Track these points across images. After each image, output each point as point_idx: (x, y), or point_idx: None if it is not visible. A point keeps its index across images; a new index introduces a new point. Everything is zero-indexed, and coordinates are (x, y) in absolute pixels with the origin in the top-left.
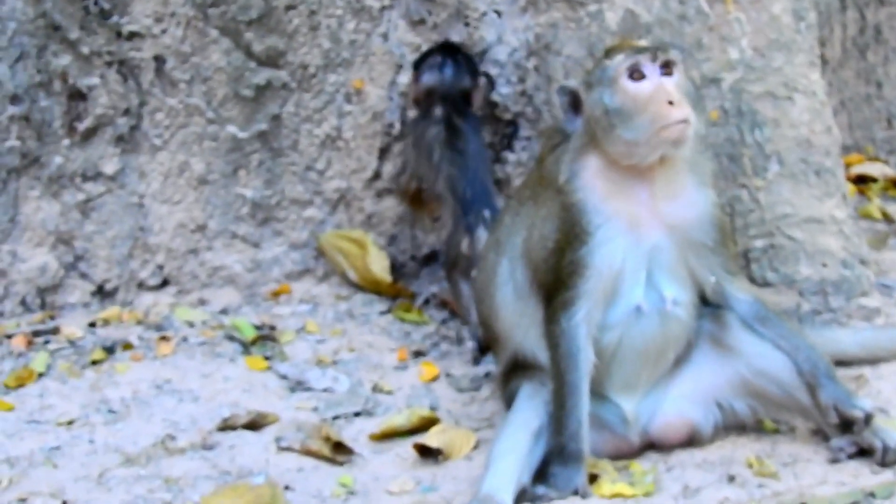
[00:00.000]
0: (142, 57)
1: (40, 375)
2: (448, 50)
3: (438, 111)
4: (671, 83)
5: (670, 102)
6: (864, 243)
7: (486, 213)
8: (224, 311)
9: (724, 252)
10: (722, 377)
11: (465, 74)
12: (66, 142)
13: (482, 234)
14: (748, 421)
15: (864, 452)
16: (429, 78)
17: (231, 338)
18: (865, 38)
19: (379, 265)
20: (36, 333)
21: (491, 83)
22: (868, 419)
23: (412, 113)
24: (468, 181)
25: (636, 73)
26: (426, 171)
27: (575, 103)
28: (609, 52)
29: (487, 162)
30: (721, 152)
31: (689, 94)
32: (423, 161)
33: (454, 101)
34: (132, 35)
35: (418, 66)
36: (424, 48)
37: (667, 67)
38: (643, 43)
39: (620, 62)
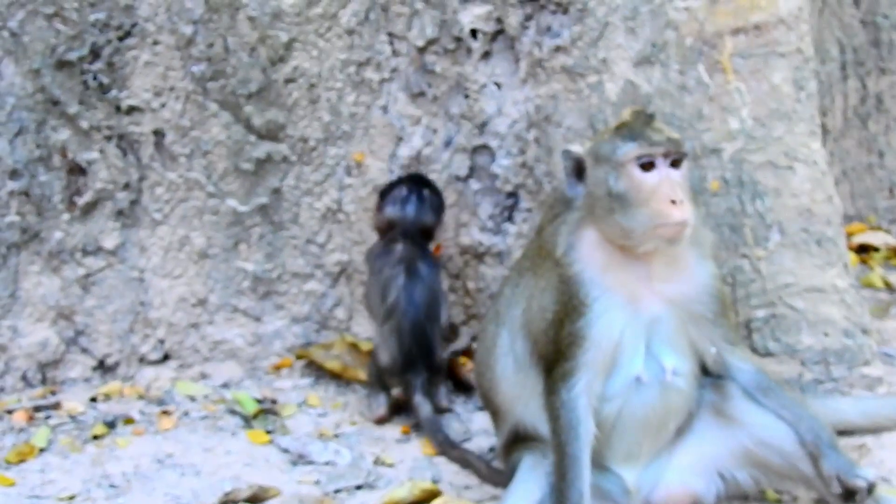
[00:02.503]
0: (141, 131)
1: (41, 451)
2: (415, 182)
3: (399, 248)
4: (678, 176)
5: (673, 201)
6: (866, 312)
7: (418, 382)
8: (225, 385)
9: (725, 323)
10: (724, 447)
11: (428, 211)
12: (65, 216)
13: (420, 402)
14: (751, 491)
15: None
16: (391, 211)
17: (233, 412)
18: (867, 107)
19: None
20: (37, 408)
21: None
22: (871, 489)
23: (375, 241)
24: (415, 338)
25: (646, 164)
26: (376, 306)
27: (579, 170)
28: (622, 131)
29: (440, 310)
30: (722, 222)
31: (692, 183)
32: (375, 297)
33: (414, 237)
34: (131, 109)
35: (384, 195)
36: (424, 121)
37: (676, 161)
38: (658, 133)
39: (633, 150)
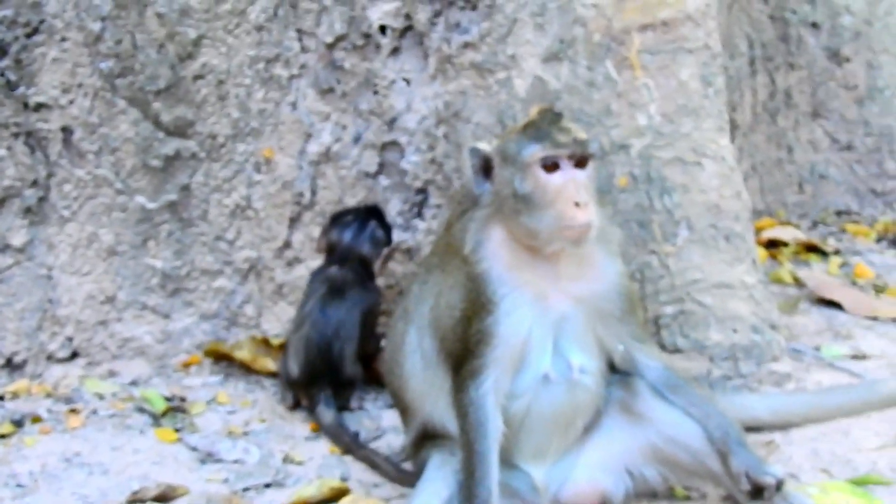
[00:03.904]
0: (49, 128)
1: None
2: (366, 213)
3: (333, 270)
4: (583, 177)
5: (577, 203)
6: (774, 308)
7: (321, 396)
8: (134, 383)
9: (633, 320)
10: (632, 444)
11: (367, 242)
12: None
13: (321, 411)
14: (659, 488)
15: None
16: (332, 234)
17: (141, 410)
18: (776, 102)
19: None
20: None
21: (388, 242)
22: (779, 485)
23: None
24: (320, 353)
25: (550, 165)
26: (296, 313)
27: (486, 168)
28: (528, 131)
29: (354, 333)
30: (630, 218)
31: (599, 183)
32: (300, 303)
33: (351, 264)
34: (39, 106)
35: (332, 219)
36: (334, 117)
37: (582, 162)
38: (564, 134)
39: (537, 152)
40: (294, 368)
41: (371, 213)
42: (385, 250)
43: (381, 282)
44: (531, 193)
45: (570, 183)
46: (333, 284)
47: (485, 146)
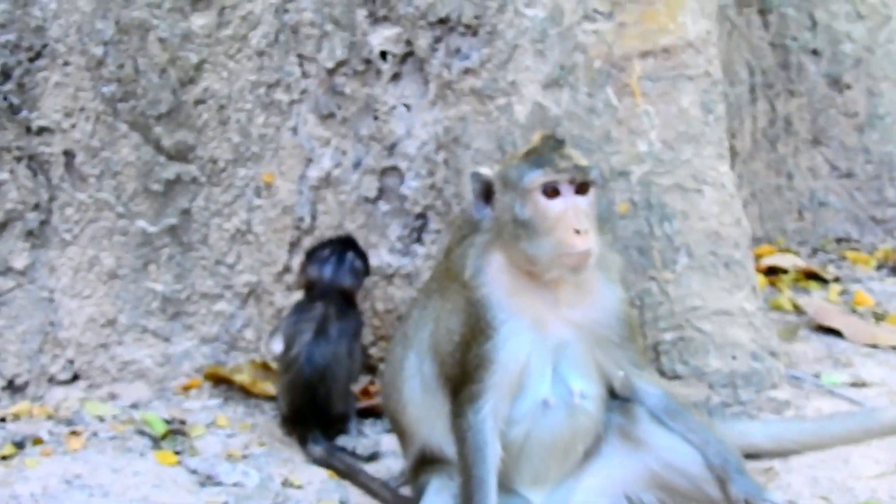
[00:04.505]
0: (51, 152)
1: None
2: (342, 245)
3: (317, 307)
4: (584, 203)
5: (577, 230)
6: (774, 335)
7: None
8: (134, 406)
9: (632, 346)
10: (631, 471)
11: (348, 274)
12: None
13: (311, 448)
14: None
15: None
16: (311, 271)
17: (141, 432)
18: (776, 129)
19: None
20: None
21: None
22: None
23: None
24: (308, 397)
25: (550, 191)
26: (281, 354)
27: (487, 193)
28: (530, 157)
29: (342, 372)
30: (630, 245)
31: (600, 210)
32: (284, 345)
33: (332, 298)
34: (41, 130)
35: (309, 255)
36: (334, 142)
37: (582, 188)
38: (565, 160)
39: (538, 178)
40: (283, 407)
41: (347, 245)
42: (365, 280)
43: (379, 306)
44: (531, 219)
45: (571, 209)
46: (320, 325)
47: (486, 171)
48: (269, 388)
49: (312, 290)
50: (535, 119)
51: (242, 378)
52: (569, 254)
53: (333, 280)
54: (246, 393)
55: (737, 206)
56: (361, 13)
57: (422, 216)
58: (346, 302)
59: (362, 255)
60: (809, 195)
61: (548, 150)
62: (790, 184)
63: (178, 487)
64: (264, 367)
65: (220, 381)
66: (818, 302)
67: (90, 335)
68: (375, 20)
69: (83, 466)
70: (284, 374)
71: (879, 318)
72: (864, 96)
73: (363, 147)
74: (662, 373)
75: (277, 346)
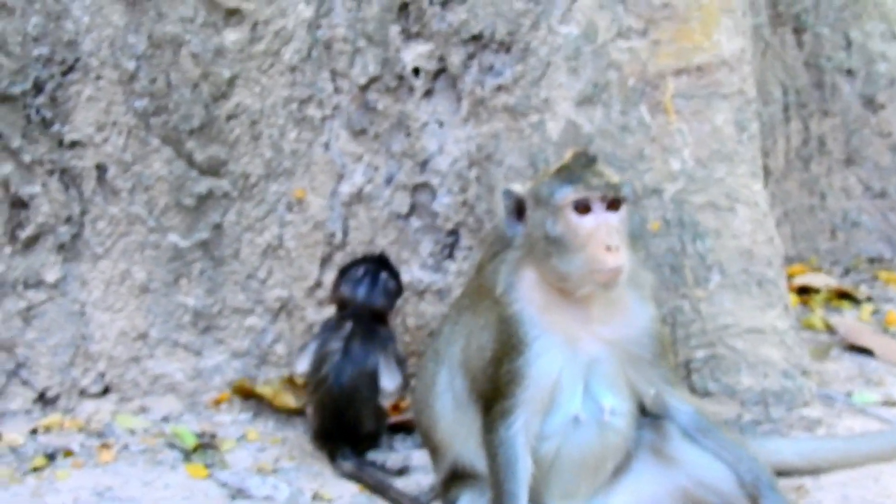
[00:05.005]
0: (83, 165)
1: None
2: (375, 264)
3: (348, 326)
4: (615, 220)
5: (608, 247)
6: (805, 354)
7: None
8: (165, 419)
9: (664, 364)
10: (662, 487)
11: (381, 295)
12: (7, 249)
13: (340, 463)
14: None
15: None
16: (344, 290)
17: (172, 445)
18: (809, 149)
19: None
20: None
21: (400, 291)
22: None
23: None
24: (336, 419)
25: (582, 208)
26: (310, 373)
27: (519, 210)
28: (561, 174)
29: (372, 394)
30: (662, 263)
31: (632, 227)
32: (313, 363)
33: (364, 318)
34: (74, 144)
35: (342, 273)
36: (366, 158)
37: (614, 204)
38: (596, 177)
39: (569, 194)
40: (313, 425)
41: (380, 265)
42: (399, 301)
43: (411, 322)
44: (562, 236)
45: (602, 226)
46: (349, 346)
47: (518, 188)
48: (291, 401)
49: (344, 309)
50: (567, 136)
51: (265, 391)
52: (600, 270)
53: (367, 300)
54: (274, 407)
55: (770, 224)
56: (394, 29)
57: (453, 232)
58: (377, 321)
59: (395, 275)
60: (842, 215)
61: (580, 166)
62: (823, 203)
63: (208, 500)
64: (292, 381)
65: (248, 395)
66: (850, 321)
67: (121, 349)
68: (408, 36)
69: (114, 479)
70: (313, 393)
71: None
72: None
73: (395, 163)
74: (694, 390)
75: (301, 366)
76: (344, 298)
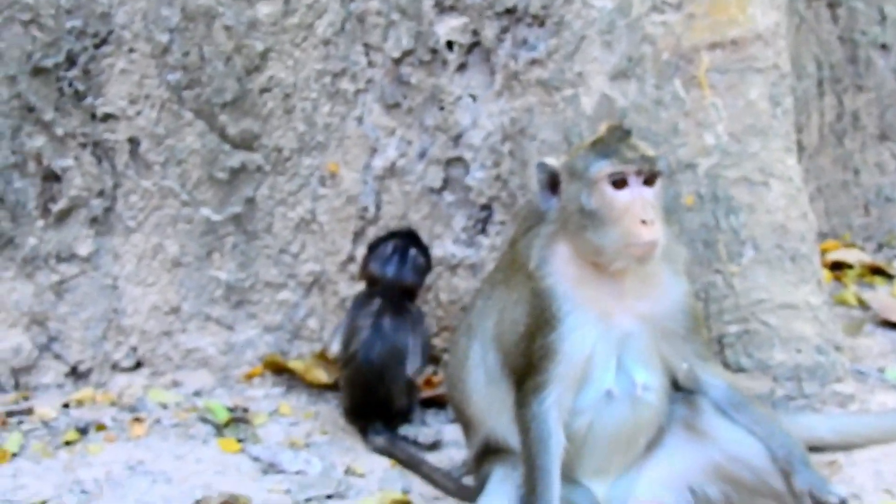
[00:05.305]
0: (116, 139)
1: (14, 455)
2: (404, 240)
3: (376, 303)
4: (650, 195)
5: (643, 221)
6: (839, 329)
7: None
8: (197, 394)
9: (697, 339)
10: (695, 462)
11: (410, 271)
12: (40, 223)
13: (372, 438)
14: None
15: None
16: (373, 267)
17: (204, 420)
18: (843, 124)
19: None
20: (10, 414)
21: (429, 267)
22: None
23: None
24: (366, 394)
25: (618, 182)
26: (341, 350)
27: (553, 184)
28: (597, 147)
29: (401, 371)
30: (696, 238)
31: (666, 202)
32: (343, 339)
33: (394, 295)
34: (107, 117)
35: (371, 249)
36: (399, 132)
37: (650, 179)
38: (632, 150)
39: (605, 168)
40: (345, 400)
41: (409, 240)
42: (428, 276)
43: (444, 297)
44: (598, 210)
45: (638, 200)
46: (378, 322)
47: (552, 161)
48: (323, 376)
49: (374, 286)
50: (601, 110)
51: (297, 366)
52: (635, 244)
53: (396, 278)
54: (306, 382)
55: (803, 199)
56: (428, 3)
57: (487, 207)
58: (406, 298)
59: (425, 252)
60: (876, 190)
61: (615, 140)
62: (857, 179)
63: (240, 475)
64: (323, 357)
65: (279, 370)
66: (883, 297)
67: (154, 323)
68: (442, 10)
69: (146, 453)
70: (344, 369)
71: None
72: None
73: (428, 137)
74: (727, 366)
75: (335, 346)
76: (373, 275)
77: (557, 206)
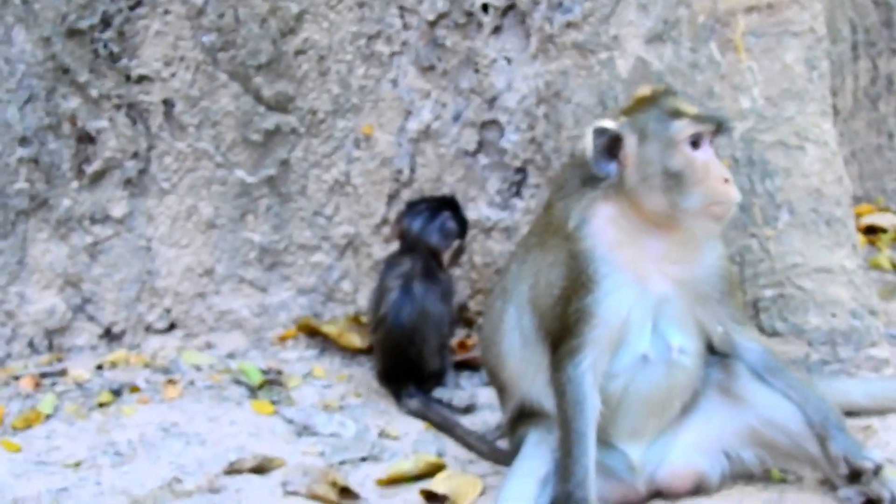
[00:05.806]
0: (151, 100)
1: (48, 417)
2: (440, 204)
3: (405, 262)
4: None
5: (726, 180)
6: (873, 294)
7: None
8: (231, 356)
9: (732, 303)
10: (730, 426)
11: (436, 232)
12: (74, 184)
13: (405, 401)
14: (756, 470)
15: (871, 503)
16: (405, 223)
17: (238, 382)
18: (877, 88)
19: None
20: (43, 375)
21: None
22: (877, 470)
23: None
24: (397, 356)
25: (696, 143)
26: (371, 312)
27: (612, 147)
28: (668, 109)
29: (429, 332)
30: None
31: None
32: (372, 301)
33: (421, 254)
34: (141, 78)
35: (408, 206)
36: (434, 95)
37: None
38: (705, 111)
39: (685, 128)
40: (378, 363)
41: (445, 205)
42: (455, 243)
43: (478, 260)
44: (682, 170)
45: (713, 159)
46: (406, 282)
47: (612, 124)
48: (356, 340)
49: (403, 242)
50: (637, 74)
51: (330, 330)
52: (721, 203)
53: (420, 235)
54: (339, 345)
55: (839, 163)
56: None
57: (521, 170)
58: (434, 261)
59: (459, 218)
60: None
61: (677, 100)
62: (891, 143)
63: (274, 437)
64: (357, 320)
65: (313, 333)
66: None
67: (187, 284)
68: None
69: (180, 415)
70: (375, 332)
71: None
72: None
73: (463, 100)
74: (762, 330)
75: None
76: (403, 230)
77: (618, 170)
